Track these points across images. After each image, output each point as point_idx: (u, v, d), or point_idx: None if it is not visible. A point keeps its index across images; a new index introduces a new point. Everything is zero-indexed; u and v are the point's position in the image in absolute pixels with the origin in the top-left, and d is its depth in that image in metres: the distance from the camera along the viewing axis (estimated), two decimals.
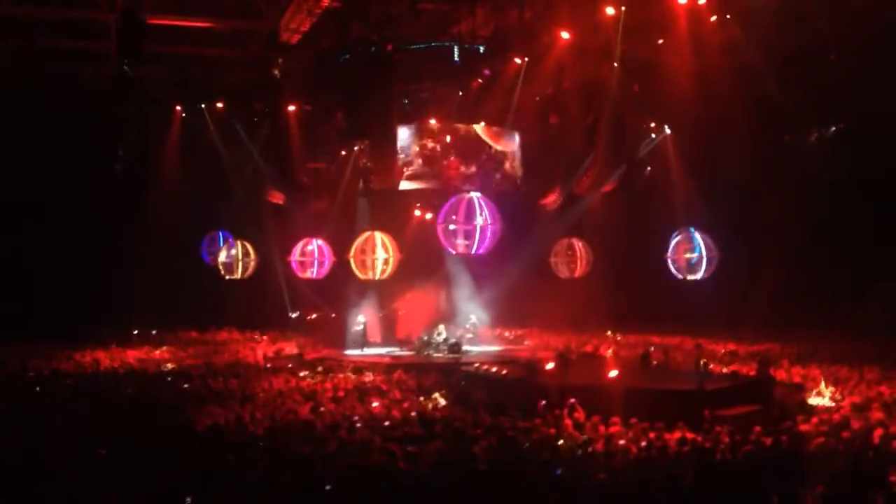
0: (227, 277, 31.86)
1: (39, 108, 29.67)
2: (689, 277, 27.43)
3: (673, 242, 27.67)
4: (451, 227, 27.01)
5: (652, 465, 11.76)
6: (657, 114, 31.02)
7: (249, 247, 31.98)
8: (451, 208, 26.95)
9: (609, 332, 29.83)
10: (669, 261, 27.74)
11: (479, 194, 27.29)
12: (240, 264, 31.58)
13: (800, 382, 18.85)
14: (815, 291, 28.88)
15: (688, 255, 27.30)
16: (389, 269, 28.86)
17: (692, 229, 27.44)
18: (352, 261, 28.92)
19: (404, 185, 29.79)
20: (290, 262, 30.32)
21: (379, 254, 28.68)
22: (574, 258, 31.61)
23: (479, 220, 26.76)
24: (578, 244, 31.65)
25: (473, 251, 27.01)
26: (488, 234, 26.80)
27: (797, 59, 26.25)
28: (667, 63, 26.64)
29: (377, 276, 28.92)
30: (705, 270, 27.16)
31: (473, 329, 29.93)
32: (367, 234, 29.13)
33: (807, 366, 21.34)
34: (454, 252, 27.76)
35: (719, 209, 30.08)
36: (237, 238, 32.25)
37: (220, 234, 33.46)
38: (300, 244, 30.06)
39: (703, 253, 27.08)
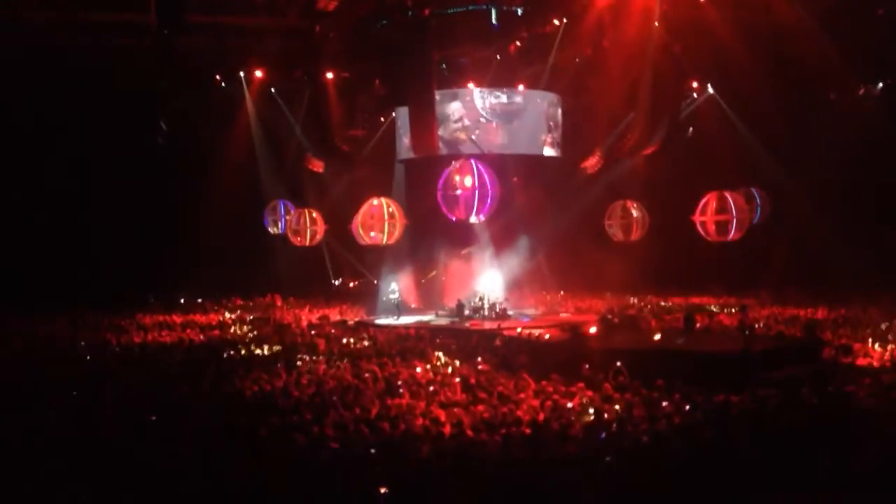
0: (296, 244, 32.13)
1: (81, 82, 29.95)
2: (718, 239, 27.01)
3: (701, 204, 27.21)
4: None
5: (698, 428, 11.68)
6: (699, 73, 30.49)
7: (316, 214, 32.15)
8: (451, 174, 26.61)
9: (650, 296, 29.62)
10: (697, 223, 27.31)
11: (476, 160, 26.78)
12: (308, 231, 31.78)
13: (847, 343, 18.58)
14: (862, 252, 28.38)
15: (719, 217, 26.87)
16: (396, 233, 29.03)
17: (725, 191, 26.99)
18: (359, 227, 28.91)
19: (443, 150, 29.67)
20: (353, 228, 30.14)
21: (385, 219, 28.74)
22: (630, 221, 31.08)
23: (473, 184, 26.12)
24: (633, 206, 31.08)
25: (473, 216, 26.61)
26: (488, 200, 26.39)
27: (842, 14, 25.57)
28: (708, 22, 26.10)
29: (384, 242, 29.06)
30: (735, 232, 26.73)
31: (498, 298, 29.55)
32: (374, 200, 29.04)
33: (855, 327, 21.02)
34: (454, 218, 27.41)
35: (764, 169, 29.62)
36: (301, 206, 32.43)
37: (282, 203, 33.66)
38: (364, 207, 29.74)
39: (734, 214, 26.63)
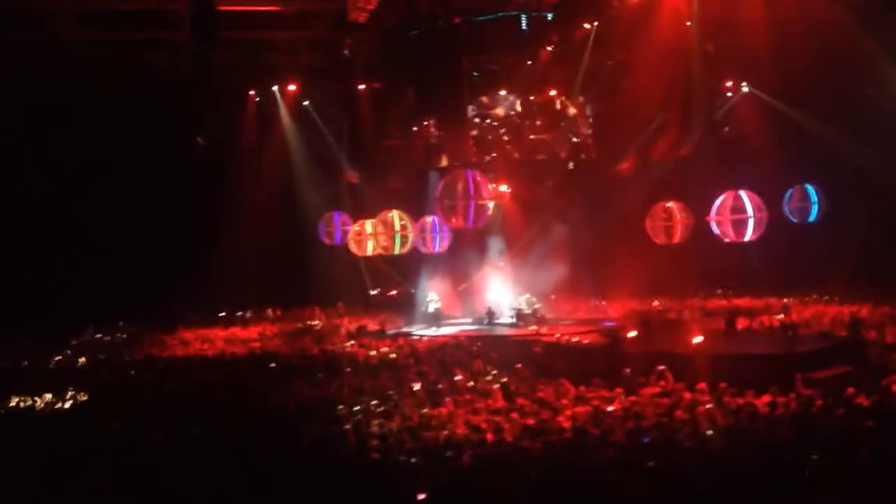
0: (358, 255, 32.33)
1: (119, 99, 30.42)
2: (735, 240, 26.48)
3: (717, 203, 26.71)
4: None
5: (742, 430, 11.55)
6: (734, 72, 30.18)
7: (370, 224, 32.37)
8: (448, 184, 26.62)
9: (699, 297, 29.18)
10: (713, 223, 26.84)
11: (473, 170, 26.83)
12: (369, 242, 31.90)
13: (893, 343, 18.24)
14: None
15: (736, 216, 26.37)
16: (408, 245, 29.75)
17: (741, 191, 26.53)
18: (371, 238, 29.79)
19: (475, 156, 29.75)
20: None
21: (396, 229, 29.47)
22: (672, 223, 30.36)
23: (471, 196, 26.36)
24: (675, 208, 30.02)
25: (470, 226, 26.64)
26: (485, 210, 26.40)
27: (878, 9, 25.19)
28: (742, 20, 25.86)
29: (395, 252, 29.86)
30: (753, 232, 26.21)
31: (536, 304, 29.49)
32: (386, 212, 29.73)
33: None
34: (449, 227, 27.71)
35: (803, 167, 29.22)
36: (357, 218, 32.58)
37: (336, 215, 33.81)
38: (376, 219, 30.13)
39: (751, 213, 26.12)
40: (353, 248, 31.63)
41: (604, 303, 31.10)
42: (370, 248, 30.12)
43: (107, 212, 32.09)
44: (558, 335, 22.57)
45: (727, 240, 26.85)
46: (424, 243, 30.25)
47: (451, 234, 29.60)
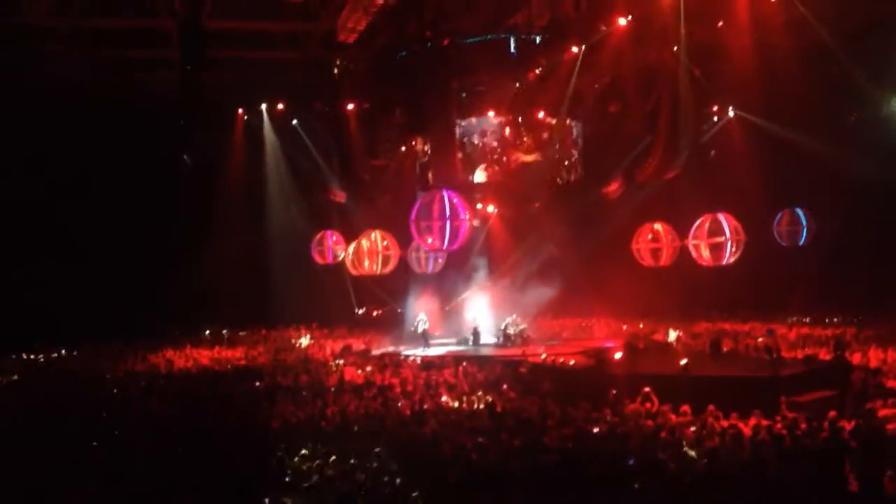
0: (360, 273, 32.10)
1: (106, 118, 30.34)
2: (713, 263, 26.46)
3: (694, 227, 26.75)
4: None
5: (726, 453, 11.57)
6: (720, 97, 30.44)
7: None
8: (424, 205, 26.68)
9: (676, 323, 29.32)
10: (690, 246, 26.87)
11: (449, 191, 26.89)
12: (366, 261, 31.85)
13: (877, 366, 18.35)
14: (887, 275, 28.03)
15: (714, 240, 26.40)
16: (391, 265, 30.38)
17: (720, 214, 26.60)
18: (354, 258, 30.32)
19: (463, 177, 29.84)
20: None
21: (378, 250, 30.06)
22: (659, 245, 30.00)
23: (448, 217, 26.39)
24: (663, 230, 29.88)
25: (445, 247, 26.69)
26: (461, 231, 26.42)
27: (864, 35, 25.48)
28: (729, 45, 26.11)
29: (378, 271, 30.36)
30: (730, 255, 26.22)
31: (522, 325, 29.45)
32: (369, 232, 30.37)
33: (885, 348, 20.75)
34: (426, 248, 27.92)
35: (791, 190, 29.41)
36: (354, 236, 32.52)
37: (329, 234, 33.75)
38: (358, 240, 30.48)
39: (728, 236, 26.16)
40: (350, 267, 31.73)
41: (591, 324, 31.22)
42: (367, 267, 30.21)
43: (89, 229, 31.88)
44: (544, 356, 22.59)
45: (703, 264, 26.90)
46: (419, 264, 30.36)
47: (445, 254, 29.79)
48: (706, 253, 26.52)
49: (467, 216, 25.99)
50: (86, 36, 28.41)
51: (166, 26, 27.44)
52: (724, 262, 26.37)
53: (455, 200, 26.07)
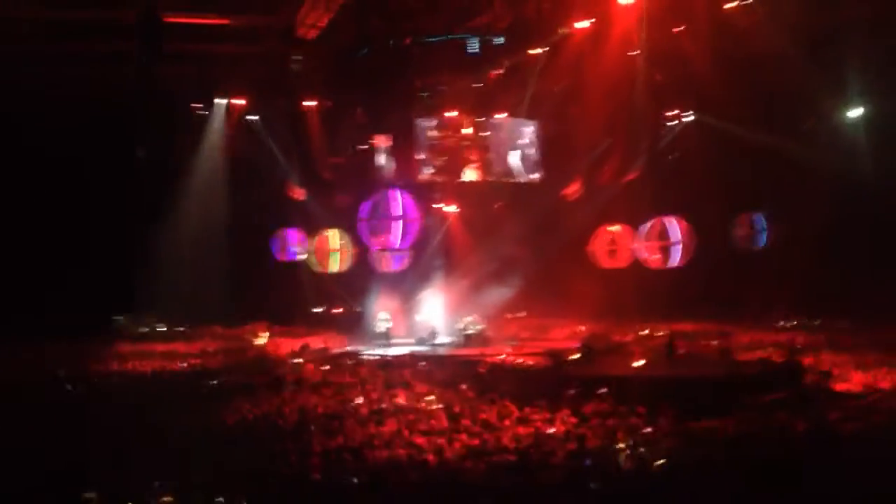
0: (318, 271, 32.25)
1: (61, 112, 29.81)
2: (660, 265, 26.74)
3: (643, 231, 26.98)
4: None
5: (681, 453, 11.69)
6: (680, 101, 30.79)
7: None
8: (374, 203, 26.74)
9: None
10: (639, 248, 27.09)
11: (399, 189, 26.97)
12: (326, 257, 31.76)
13: (828, 369, 18.67)
14: (842, 279, 28.53)
15: (662, 243, 26.68)
16: (347, 263, 30.83)
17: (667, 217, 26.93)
18: (311, 256, 30.70)
19: (423, 177, 29.83)
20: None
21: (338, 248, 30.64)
22: (616, 247, 30.43)
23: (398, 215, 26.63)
24: (618, 232, 30.35)
25: (396, 245, 26.83)
26: (411, 229, 26.56)
27: (822, 43, 25.93)
28: (688, 51, 26.43)
29: (336, 269, 30.91)
30: (679, 258, 26.49)
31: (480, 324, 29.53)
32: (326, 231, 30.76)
33: (836, 353, 21.12)
34: (374, 248, 28.17)
35: (749, 194, 29.80)
36: (312, 234, 32.30)
37: (290, 232, 33.45)
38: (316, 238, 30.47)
39: (678, 239, 26.42)
40: (314, 265, 31.61)
41: (548, 326, 31.33)
42: (326, 265, 30.23)
43: (34, 220, 31.24)
44: (503, 356, 22.63)
45: (651, 266, 27.12)
46: (382, 262, 30.15)
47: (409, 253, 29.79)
48: (653, 255, 26.72)
49: (419, 215, 25.94)
50: (41, 28, 27.87)
51: (124, 18, 26.98)
52: (671, 265, 26.56)
53: (407, 199, 26.09)
